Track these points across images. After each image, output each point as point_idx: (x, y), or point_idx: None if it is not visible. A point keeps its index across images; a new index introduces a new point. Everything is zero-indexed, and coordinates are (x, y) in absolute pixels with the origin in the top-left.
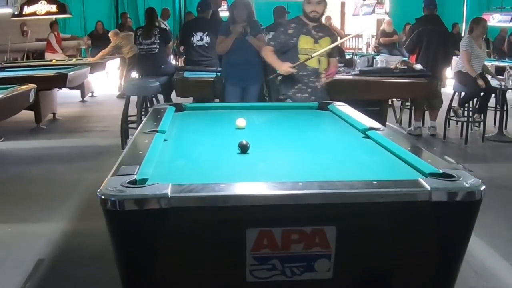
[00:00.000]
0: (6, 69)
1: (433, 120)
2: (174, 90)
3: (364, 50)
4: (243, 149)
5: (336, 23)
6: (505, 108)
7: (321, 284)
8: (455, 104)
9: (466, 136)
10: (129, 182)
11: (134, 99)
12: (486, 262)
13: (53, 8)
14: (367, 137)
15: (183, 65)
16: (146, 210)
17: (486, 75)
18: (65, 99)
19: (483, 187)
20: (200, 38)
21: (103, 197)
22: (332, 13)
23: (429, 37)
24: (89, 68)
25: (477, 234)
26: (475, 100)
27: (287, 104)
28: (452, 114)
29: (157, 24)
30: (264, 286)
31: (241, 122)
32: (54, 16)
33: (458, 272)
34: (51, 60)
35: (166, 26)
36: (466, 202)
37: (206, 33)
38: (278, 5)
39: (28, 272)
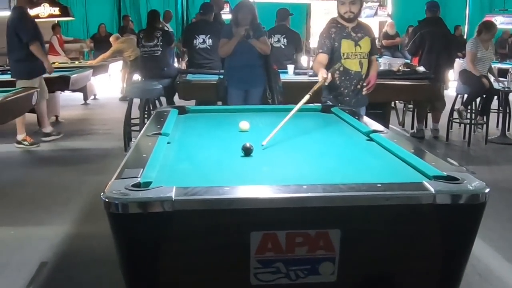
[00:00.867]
0: (8, 72)
1: (435, 123)
2: (176, 93)
3: None
4: (247, 152)
5: None
6: (507, 110)
7: (325, 287)
8: (457, 106)
9: (469, 139)
10: (133, 185)
11: (136, 101)
12: (490, 264)
13: (56, 10)
14: (371, 139)
15: (185, 67)
16: (150, 213)
17: (490, 76)
18: (67, 101)
19: (487, 190)
20: (202, 41)
21: (107, 200)
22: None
23: (432, 40)
24: (91, 70)
25: (481, 237)
26: (477, 102)
27: (290, 106)
28: (455, 116)
29: (160, 26)
30: None
31: (244, 124)
32: (56, 19)
33: (463, 274)
34: (53, 63)
35: (169, 29)
36: (470, 205)
37: (209, 35)
38: (281, 7)
39: (31, 275)
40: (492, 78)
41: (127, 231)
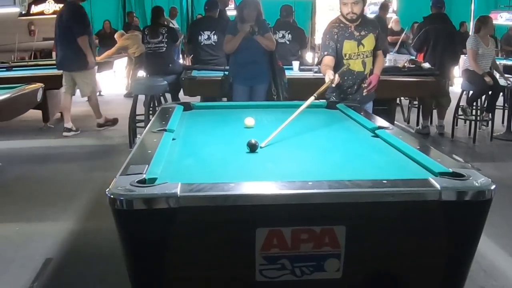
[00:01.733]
0: (13, 69)
1: (441, 119)
2: (181, 89)
3: None
4: (252, 148)
5: None
6: None
7: (331, 283)
8: (463, 103)
9: (474, 135)
10: (138, 182)
11: (141, 98)
12: (495, 261)
13: (61, 7)
14: (376, 136)
15: (190, 64)
16: (155, 210)
17: (495, 73)
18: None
19: (493, 186)
20: (207, 37)
21: (112, 196)
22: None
23: (437, 36)
24: (96, 67)
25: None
26: (483, 98)
27: (296, 103)
28: (460, 112)
29: (165, 23)
30: (273, 286)
31: (249, 121)
32: None
33: (468, 271)
34: None
35: (175, 25)
36: (476, 201)
37: (214, 32)
38: (285, 4)
39: (36, 271)
40: (497, 75)
41: (132, 228)
